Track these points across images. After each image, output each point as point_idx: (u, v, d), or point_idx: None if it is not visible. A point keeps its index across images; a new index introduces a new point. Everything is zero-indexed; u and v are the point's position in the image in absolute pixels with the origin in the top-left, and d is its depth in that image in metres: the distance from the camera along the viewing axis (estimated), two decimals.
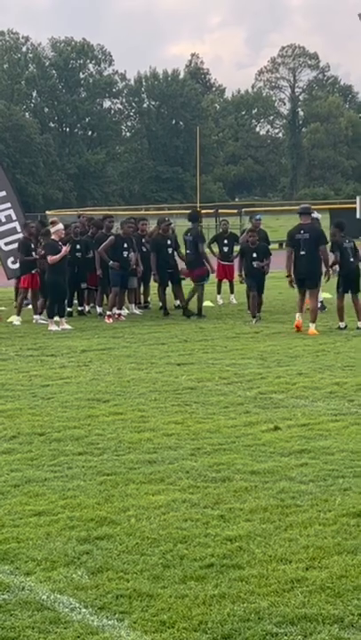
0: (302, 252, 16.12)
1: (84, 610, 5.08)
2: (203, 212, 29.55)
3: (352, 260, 16.25)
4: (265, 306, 19.85)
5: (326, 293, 19.08)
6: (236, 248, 20.20)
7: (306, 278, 16.21)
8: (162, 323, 17.90)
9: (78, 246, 19.14)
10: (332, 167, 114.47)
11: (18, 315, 18.56)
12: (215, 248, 21.49)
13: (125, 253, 18.31)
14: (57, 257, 17.16)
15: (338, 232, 16.47)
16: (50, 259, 17.12)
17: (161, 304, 19.44)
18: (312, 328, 15.80)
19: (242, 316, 18.55)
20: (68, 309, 19.14)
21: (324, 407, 9.90)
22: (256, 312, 17.46)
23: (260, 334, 15.86)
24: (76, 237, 19.40)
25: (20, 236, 20.12)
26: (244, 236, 19.20)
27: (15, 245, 20.05)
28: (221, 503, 6.76)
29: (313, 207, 20.00)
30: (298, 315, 16.23)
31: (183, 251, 19.45)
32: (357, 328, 15.95)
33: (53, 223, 18.44)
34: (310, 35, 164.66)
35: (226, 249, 20.72)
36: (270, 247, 20.56)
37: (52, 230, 17.77)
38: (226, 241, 20.91)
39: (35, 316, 18.54)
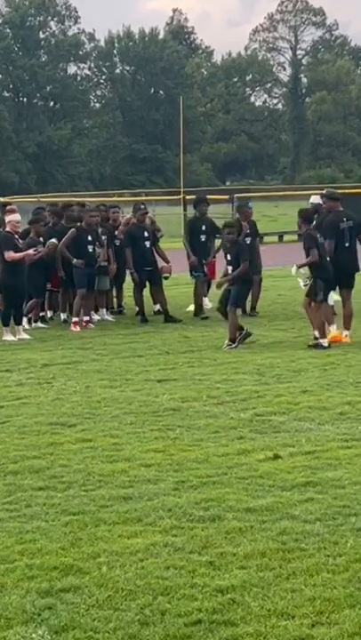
0: (346, 244, 16.21)
1: None
2: (187, 197, 29.49)
3: (328, 259, 15.73)
4: (261, 310, 19.91)
5: (337, 296, 19.12)
6: (217, 242, 20.17)
7: (351, 275, 16.39)
8: (139, 331, 17.91)
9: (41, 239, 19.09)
10: (341, 144, 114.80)
11: None
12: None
13: (90, 248, 18.32)
14: (17, 256, 17.09)
15: (305, 225, 15.64)
16: (7, 255, 17.05)
17: (138, 309, 19.44)
18: (345, 335, 16.04)
19: None
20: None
21: (333, 431, 9.93)
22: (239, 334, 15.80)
23: (257, 344, 15.89)
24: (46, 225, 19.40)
25: None
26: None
27: None
28: (211, 547, 6.76)
29: (318, 192, 20.07)
30: (333, 327, 16.10)
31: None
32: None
33: (10, 212, 18.37)
34: None
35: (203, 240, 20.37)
36: (265, 240, 20.59)
37: (7, 220, 17.72)
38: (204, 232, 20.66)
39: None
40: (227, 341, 15.59)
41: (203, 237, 19.73)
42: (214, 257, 20.49)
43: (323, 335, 15.36)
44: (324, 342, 15.26)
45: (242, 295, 16.30)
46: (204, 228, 19.73)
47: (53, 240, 18.45)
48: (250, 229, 19.45)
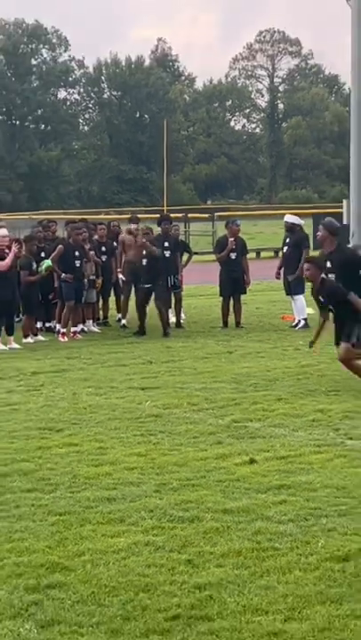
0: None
1: None
2: (172, 215, 29.63)
3: None
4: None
5: (310, 309, 19.18)
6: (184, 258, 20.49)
7: None
8: (123, 341, 17.90)
9: (43, 254, 18.99)
10: (315, 167, 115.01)
11: None
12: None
13: (78, 263, 18.38)
14: (3, 263, 17.06)
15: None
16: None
17: (124, 319, 19.52)
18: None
19: (214, 334, 18.60)
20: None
21: (305, 437, 9.94)
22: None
23: (235, 354, 15.90)
24: (40, 244, 19.27)
25: None
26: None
27: None
28: (189, 546, 6.75)
29: (294, 212, 20.22)
30: None
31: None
32: None
33: None
34: (291, 18, 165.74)
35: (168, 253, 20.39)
36: (248, 257, 20.73)
37: None
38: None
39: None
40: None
41: (167, 253, 19.72)
42: (181, 272, 20.49)
43: None
44: None
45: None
46: (166, 244, 19.77)
47: (47, 262, 18.35)
48: (236, 246, 19.56)
